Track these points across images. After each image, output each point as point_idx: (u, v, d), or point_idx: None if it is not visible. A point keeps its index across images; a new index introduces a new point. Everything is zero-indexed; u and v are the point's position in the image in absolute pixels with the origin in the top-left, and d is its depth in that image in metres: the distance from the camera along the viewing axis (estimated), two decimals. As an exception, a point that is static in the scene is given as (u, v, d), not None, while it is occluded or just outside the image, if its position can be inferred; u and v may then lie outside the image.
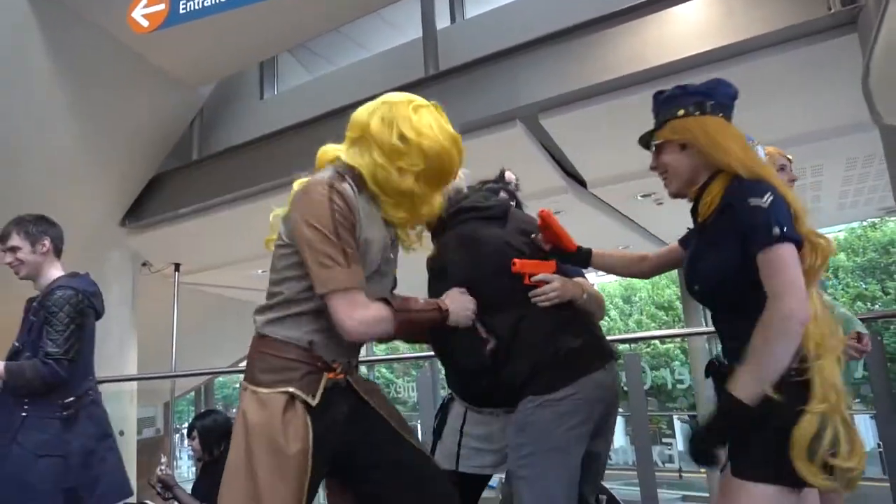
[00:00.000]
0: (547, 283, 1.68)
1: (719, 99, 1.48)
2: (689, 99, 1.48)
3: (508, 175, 2.10)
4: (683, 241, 1.67)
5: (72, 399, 2.38)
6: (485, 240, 1.73)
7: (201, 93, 5.87)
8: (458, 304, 1.60)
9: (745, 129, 1.49)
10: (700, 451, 1.33)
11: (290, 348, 1.42)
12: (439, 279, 1.76)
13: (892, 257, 15.24)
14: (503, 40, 4.26)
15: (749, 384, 1.28)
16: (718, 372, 1.44)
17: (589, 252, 1.79)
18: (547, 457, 1.56)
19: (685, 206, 1.53)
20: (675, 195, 1.54)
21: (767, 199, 1.31)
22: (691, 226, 1.56)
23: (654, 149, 1.55)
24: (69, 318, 2.36)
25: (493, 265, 1.69)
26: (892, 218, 10.46)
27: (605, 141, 4.28)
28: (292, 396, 1.37)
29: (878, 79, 0.79)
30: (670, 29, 3.70)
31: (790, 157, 2.36)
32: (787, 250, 1.29)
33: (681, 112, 1.48)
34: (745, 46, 3.45)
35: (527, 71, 4.09)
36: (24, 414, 2.30)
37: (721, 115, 1.47)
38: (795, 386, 1.27)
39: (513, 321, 1.65)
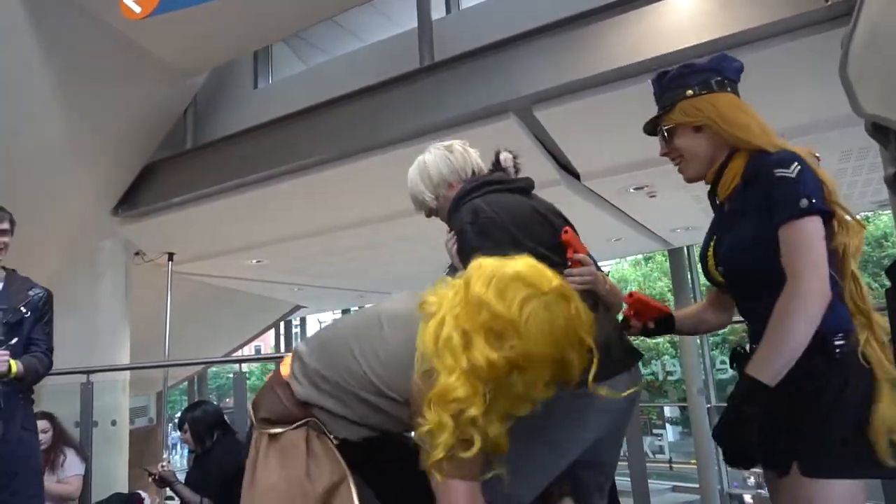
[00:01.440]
0: (584, 265, 1.59)
1: (727, 74, 1.41)
2: (697, 77, 1.41)
3: (504, 157, 1.90)
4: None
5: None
6: (514, 204, 1.64)
7: (195, 81, 5.82)
8: None
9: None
10: (734, 445, 1.23)
11: None
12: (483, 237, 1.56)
13: (885, 251, 15.33)
14: (498, 31, 4.24)
15: (764, 363, 1.19)
16: (743, 358, 1.35)
17: (671, 318, 1.67)
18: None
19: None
20: (692, 179, 1.46)
21: (794, 168, 1.25)
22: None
23: (664, 134, 1.46)
24: (51, 313, 2.55)
25: (525, 230, 1.58)
26: (886, 212, 10.52)
27: (599, 133, 4.27)
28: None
29: (855, 67, 0.79)
30: (666, 20, 3.69)
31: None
32: (813, 224, 1.21)
33: (689, 92, 1.40)
34: (742, 38, 3.44)
35: (522, 62, 4.07)
36: (22, 402, 2.41)
37: (729, 90, 1.40)
38: (850, 362, 1.20)
39: None
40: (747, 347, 1.41)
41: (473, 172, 1.76)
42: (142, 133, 5.61)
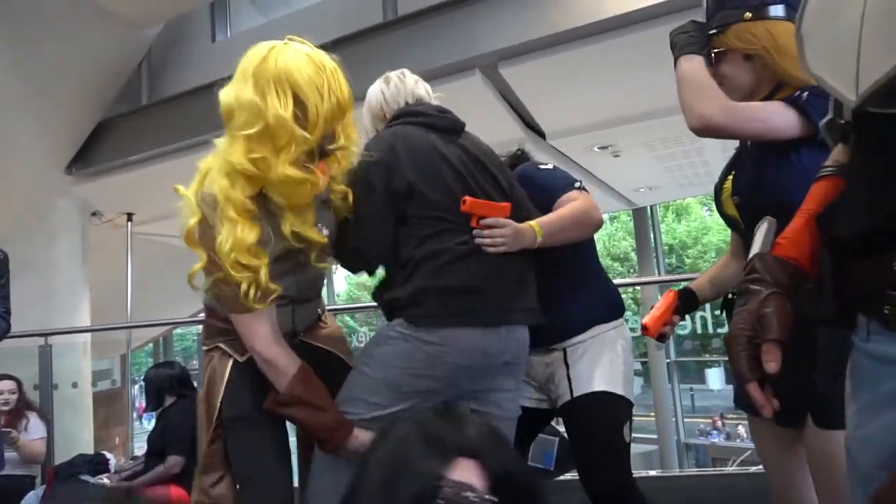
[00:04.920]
0: (497, 227, 1.42)
1: (790, 0, 1.23)
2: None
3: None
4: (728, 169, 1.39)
5: None
6: (413, 143, 1.44)
7: (148, 33, 5.58)
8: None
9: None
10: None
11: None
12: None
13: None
14: (464, -15, 4.15)
15: None
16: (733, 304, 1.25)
17: (692, 296, 1.51)
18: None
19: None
20: None
21: None
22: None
23: (710, 57, 1.30)
24: (8, 276, 2.47)
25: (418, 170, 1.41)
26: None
27: (564, 91, 4.26)
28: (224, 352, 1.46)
29: (810, 24, 0.78)
30: (632, -22, 3.66)
31: None
32: None
33: (748, 15, 1.25)
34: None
35: (487, 18, 4.01)
36: None
37: (788, 19, 1.23)
38: None
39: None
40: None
41: (407, 103, 1.57)
42: (93, 87, 5.38)
